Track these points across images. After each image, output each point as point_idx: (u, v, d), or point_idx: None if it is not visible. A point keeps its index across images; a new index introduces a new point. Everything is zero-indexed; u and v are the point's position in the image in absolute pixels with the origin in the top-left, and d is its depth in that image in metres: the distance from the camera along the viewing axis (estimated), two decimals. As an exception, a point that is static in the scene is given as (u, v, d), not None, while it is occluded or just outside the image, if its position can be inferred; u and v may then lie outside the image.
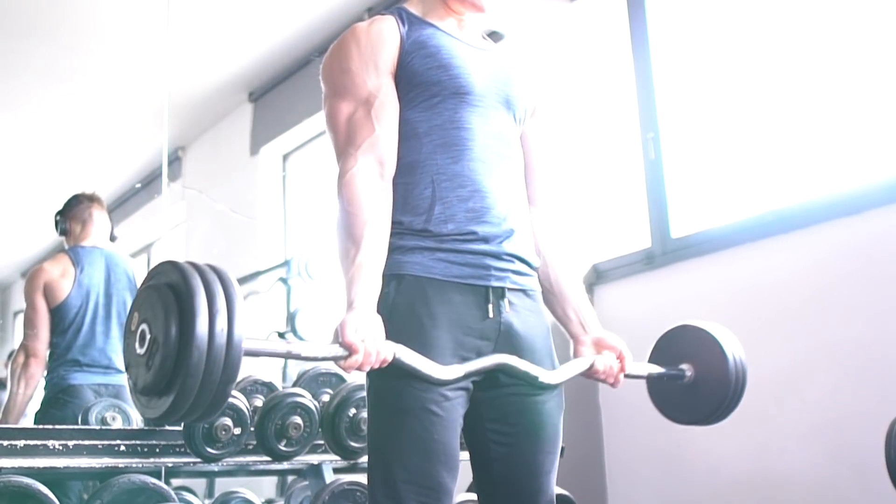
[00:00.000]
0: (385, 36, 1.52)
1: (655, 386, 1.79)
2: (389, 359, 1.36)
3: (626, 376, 1.64)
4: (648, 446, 3.12)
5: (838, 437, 2.63)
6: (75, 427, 2.42)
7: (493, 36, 3.61)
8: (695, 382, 1.72)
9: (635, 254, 3.35)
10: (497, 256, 1.50)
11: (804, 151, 2.97)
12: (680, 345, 1.76)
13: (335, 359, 1.33)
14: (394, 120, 1.51)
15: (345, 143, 1.50)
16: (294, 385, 2.75)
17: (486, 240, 1.49)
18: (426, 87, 1.52)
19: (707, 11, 3.36)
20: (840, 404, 2.63)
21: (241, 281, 4.54)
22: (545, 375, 1.50)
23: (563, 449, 2.68)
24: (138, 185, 5.39)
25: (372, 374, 1.47)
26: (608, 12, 3.63)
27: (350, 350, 1.32)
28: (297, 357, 1.30)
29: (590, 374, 1.61)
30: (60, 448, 2.16)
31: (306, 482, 2.66)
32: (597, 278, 3.42)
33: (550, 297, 1.65)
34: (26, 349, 3.09)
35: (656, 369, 1.72)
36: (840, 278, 2.68)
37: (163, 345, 1.11)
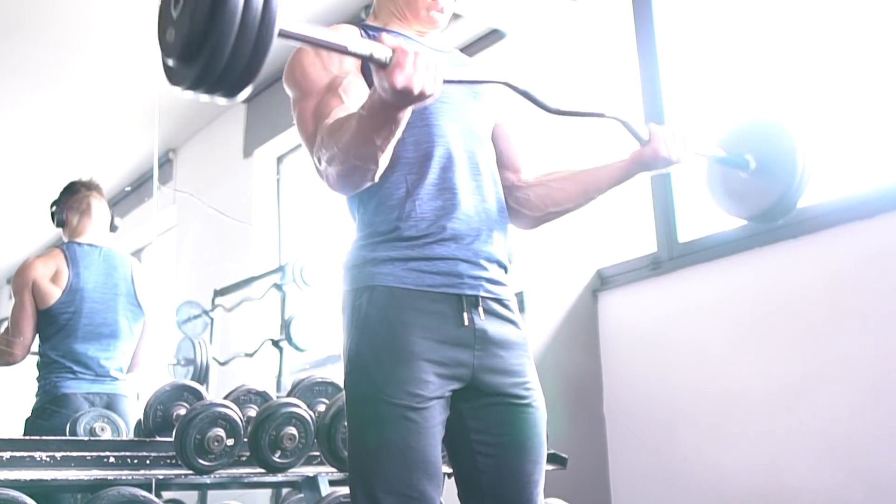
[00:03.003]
0: (345, 33, 1.48)
1: (714, 174, 1.76)
2: (436, 93, 1.24)
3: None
4: (654, 459, 3.09)
5: (851, 450, 2.59)
6: (63, 438, 2.41)
7: (495, 34, 3.57)
8: (757, 173, 1.70)
9: (641, 259, 3.32)
10: (469, 262, 1.50)
11: (814, 153, 2.93)
12: (743, 140, 1.74)
13: (382, 63, 1.21)
14: (363, 97, 1.44)
15: (314, 129, 1.46)
16: (289, 394, 2.72)
17: (455, 238, 1.49)
18: None
19: (714, 9, 3.34)
20: (853, 415, 2.60)
21: (234, 287, 4.49)
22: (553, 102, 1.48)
23: (566, 460, 2.67)
24: (128, 188, 5.33)
25: (348, 385, 1.47)
26: (613, 10, 3.60)
27: (398, 54, 1.20)
28: (344, 50, 1.19)
29: (648, 152, 1.61)
30: (48, 460, 2.13)
31: (301, 495, 2.62)
32: (602, 284, 3.39)
33: (573, 191, 1.68)
34: (7, 344, 2.98)
35: (720, 152, 1.69)
36: (852, 284, 2.65)
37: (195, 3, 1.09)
